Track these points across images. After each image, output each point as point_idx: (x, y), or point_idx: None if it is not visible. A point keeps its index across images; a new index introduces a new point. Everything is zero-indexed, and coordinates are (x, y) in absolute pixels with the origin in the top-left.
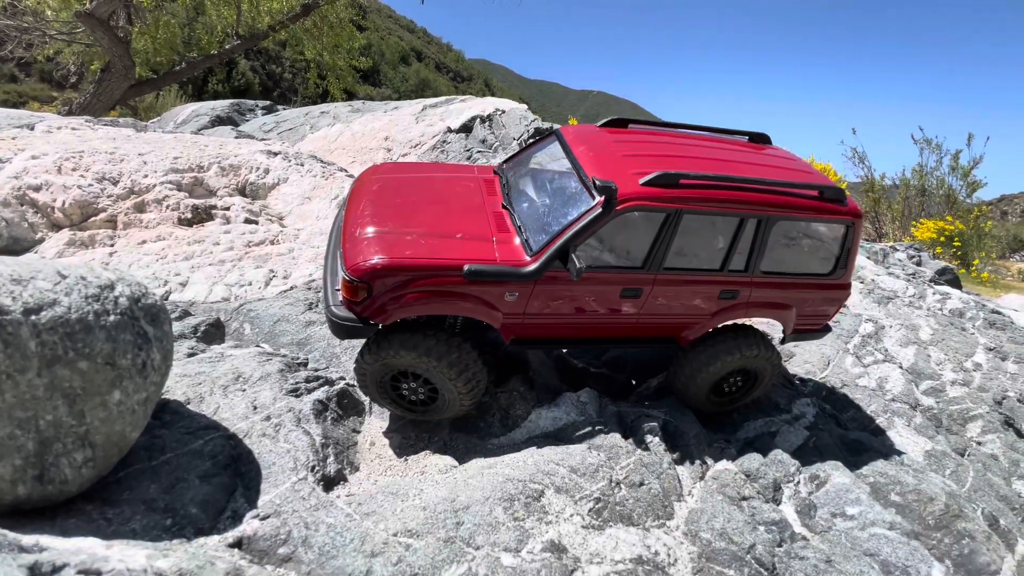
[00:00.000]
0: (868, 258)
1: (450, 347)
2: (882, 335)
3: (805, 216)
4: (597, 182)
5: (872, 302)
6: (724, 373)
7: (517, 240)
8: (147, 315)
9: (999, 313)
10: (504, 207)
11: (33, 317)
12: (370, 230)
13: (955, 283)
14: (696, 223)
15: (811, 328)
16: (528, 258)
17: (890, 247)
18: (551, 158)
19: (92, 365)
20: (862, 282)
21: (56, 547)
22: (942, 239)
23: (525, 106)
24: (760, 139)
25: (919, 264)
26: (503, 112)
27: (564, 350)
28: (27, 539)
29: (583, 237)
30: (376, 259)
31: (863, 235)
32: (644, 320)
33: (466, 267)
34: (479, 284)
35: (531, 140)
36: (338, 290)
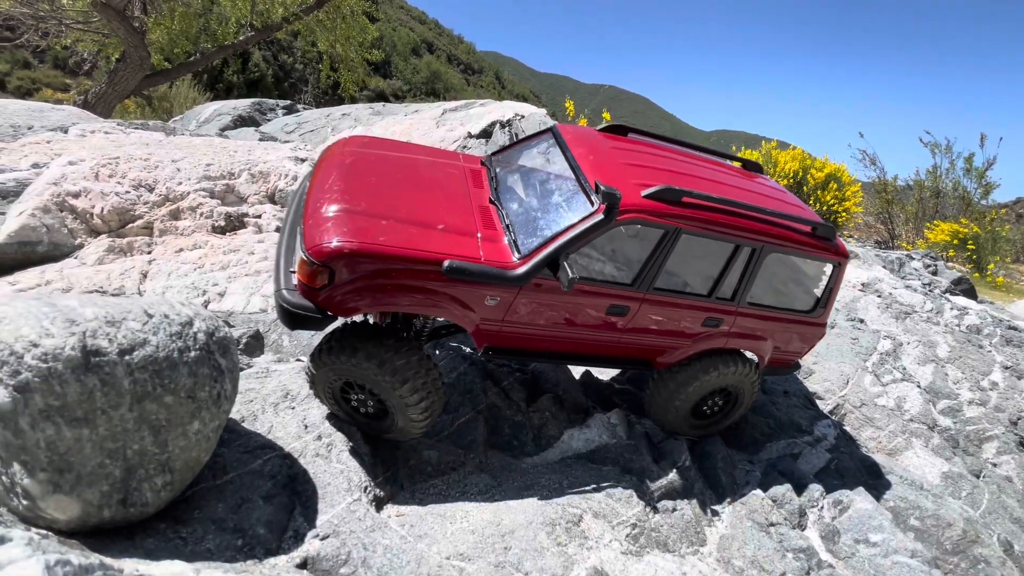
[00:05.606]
0: (884, 267)
1: (414, 364)
2: (900, 352)
3: (797, 250)
4: (601, 187)
5: (890, 317)
6: (704, 394)
7: (505, 240)
8: (220, 348)
9: (1016, 329)
10: (491, 202)
11: (127, 357)
12: (338, 207)
13: (971, 293)
14: (692, 244)
15: (782, 363)
16: (516, 260)
17: (906, 255)
18: (545, 156)
19: (176, 399)
20: (880, 296)
21: (154, 573)
22: (956, 242)
23: (544, 111)
24: (753, 167)
25: (935, 273)
26: (522, 117)
27: (535, 364)
28: (127, 567)
29: (578, 245)
30: (343, 241)
31: (876, 238)
32: (625, 340)
33: (447, 263)
34: (459, 283)
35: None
36: (293, 272)
